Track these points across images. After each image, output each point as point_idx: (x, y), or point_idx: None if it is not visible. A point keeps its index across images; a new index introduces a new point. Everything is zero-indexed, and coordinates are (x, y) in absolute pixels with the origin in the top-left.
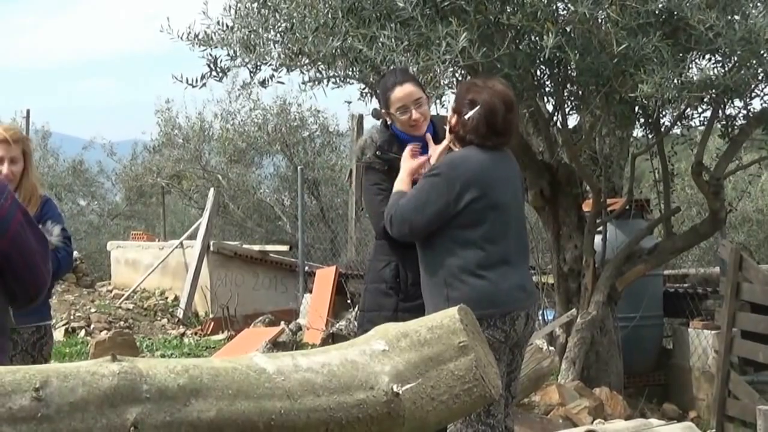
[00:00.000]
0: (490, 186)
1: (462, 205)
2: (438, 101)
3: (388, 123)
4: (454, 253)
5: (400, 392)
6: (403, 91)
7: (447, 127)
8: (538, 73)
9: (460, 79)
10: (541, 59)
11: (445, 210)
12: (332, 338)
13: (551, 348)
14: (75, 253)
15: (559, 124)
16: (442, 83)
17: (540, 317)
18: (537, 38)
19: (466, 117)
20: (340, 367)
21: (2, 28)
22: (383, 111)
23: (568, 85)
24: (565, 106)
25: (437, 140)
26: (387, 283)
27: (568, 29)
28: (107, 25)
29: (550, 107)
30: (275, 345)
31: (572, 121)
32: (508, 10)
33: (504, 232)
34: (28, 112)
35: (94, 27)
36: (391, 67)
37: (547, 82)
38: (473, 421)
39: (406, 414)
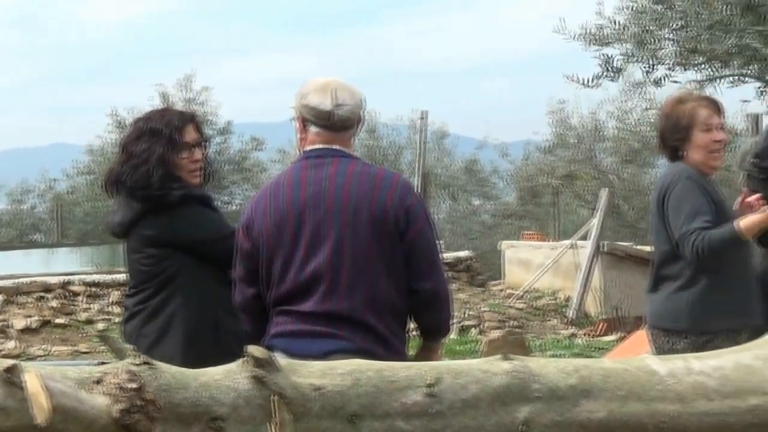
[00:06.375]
0: None
1: None
2: None
3: None
4: None
5: None
6: None
7: None
8: None
9: None
10: None
11: None
12: None
13: None
14: (467, 252)
15: None
16: None
17: None
18: None
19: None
20: (733, 371)
21: (401, 31)
22: None
23: None
24: None
25: None
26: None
27: None
28: (501, 27)
29: None
30: None
31: None
32: None
33: None
34: (425, 113)
35: (488, 29)
36: None
37: None
38: None
39: None
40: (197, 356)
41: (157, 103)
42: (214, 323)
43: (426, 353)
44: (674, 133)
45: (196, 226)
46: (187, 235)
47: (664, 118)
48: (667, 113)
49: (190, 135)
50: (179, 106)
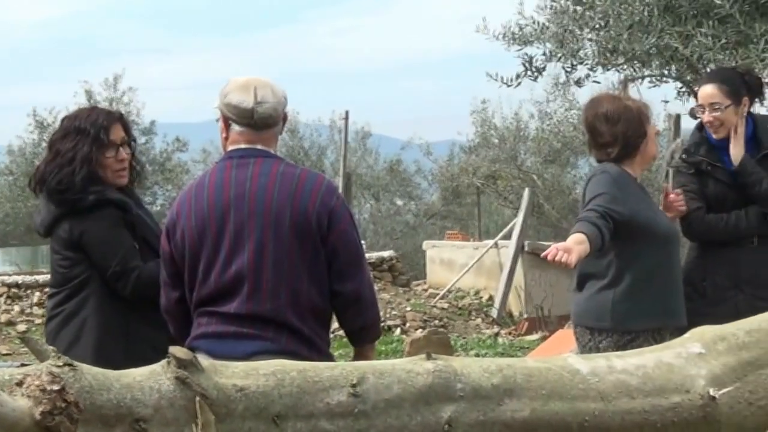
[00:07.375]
0: None
1: None
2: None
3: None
4: None
5: (717, 396)
6: (702, 92)
7: None
8: None
9: None
10: None
11: None
12: None
13: None
14: (390, 252)
15: None
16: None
17: None
18: None
19: None
20: (655, 369)
21: (322, 31)
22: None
23: None
24: None
25: (757, 142)
26: (692, 286)
27: None
28: (423, 26)
29: None
30: None
31: None
32: None
33: None
34: (347, 113)
35: (410, 28)
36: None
37: None
38: None
39: (722, 419)
40: (107, 364)
41: (81, 102)
42: (125, 332)
43: (359, 359)
44: (638, 130)
45: (102, 251)
46: (93, 252)
47: (624, 120)
48: (621, 113)
49: (116, 134)
50: (104, 105)
